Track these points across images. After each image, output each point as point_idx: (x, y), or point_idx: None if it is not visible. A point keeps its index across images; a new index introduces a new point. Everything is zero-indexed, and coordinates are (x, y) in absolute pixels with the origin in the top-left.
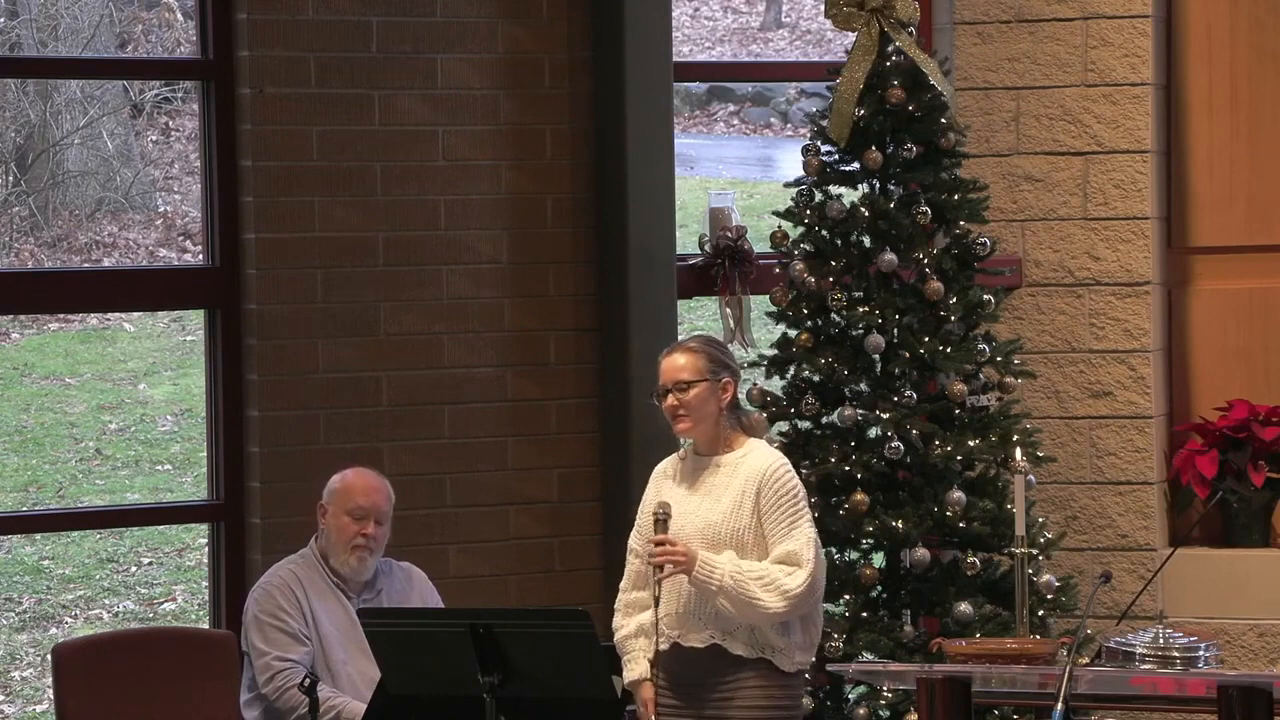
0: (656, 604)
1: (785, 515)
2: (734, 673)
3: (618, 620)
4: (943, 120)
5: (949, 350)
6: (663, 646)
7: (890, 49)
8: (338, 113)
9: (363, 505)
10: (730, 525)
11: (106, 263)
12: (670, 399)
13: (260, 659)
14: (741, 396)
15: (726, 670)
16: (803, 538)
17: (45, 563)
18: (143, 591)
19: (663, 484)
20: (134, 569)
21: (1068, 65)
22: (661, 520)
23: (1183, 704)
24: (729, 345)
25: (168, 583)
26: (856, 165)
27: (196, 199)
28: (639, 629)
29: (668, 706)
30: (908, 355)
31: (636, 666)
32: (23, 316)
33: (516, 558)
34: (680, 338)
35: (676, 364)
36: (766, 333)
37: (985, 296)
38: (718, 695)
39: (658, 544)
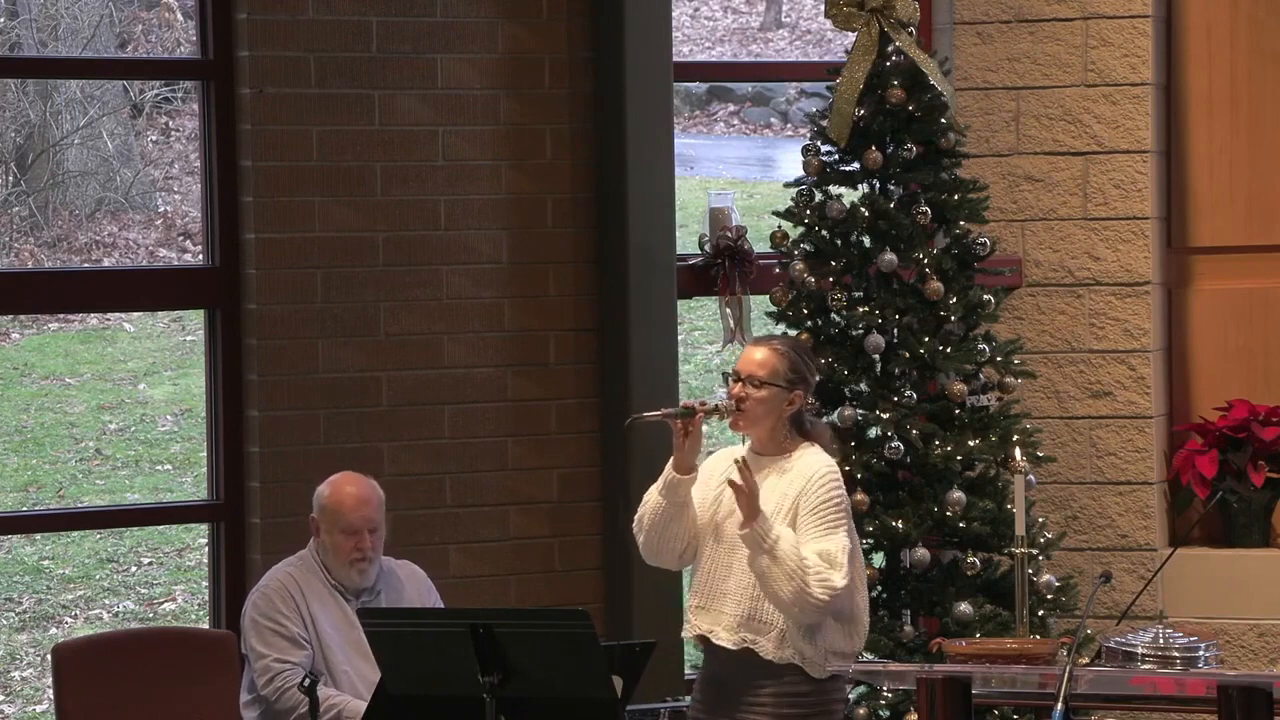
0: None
1: (825, 518)
2: (762, 678)
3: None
4: (943, 120)
5: (949, 350)
6: (688, 634)
7: (890, 49)
8: (338, 113)
9: (354, 522)
10: None
11: (106, 263)
12: (738, 387)
13: (259, 661)
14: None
15: (755, 675)
16: (840, 543)
17: (45, 563)
18: (143, 591)
19: (716, 469)
20: (134, 569)
21: (1068, 65)
22: (745, 469)
23: (1183, 704)
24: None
25: (168, 583)
26: (856, 165)
27: (196, 199)
28: None
29: (698, 703)
30: (908, 355)
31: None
32: (23, 316)
33: (516, 558)
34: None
35: (755, 357)
36: (766, 333)
37: (985, 296)
38: (746, 699)
39: (747, 474)
